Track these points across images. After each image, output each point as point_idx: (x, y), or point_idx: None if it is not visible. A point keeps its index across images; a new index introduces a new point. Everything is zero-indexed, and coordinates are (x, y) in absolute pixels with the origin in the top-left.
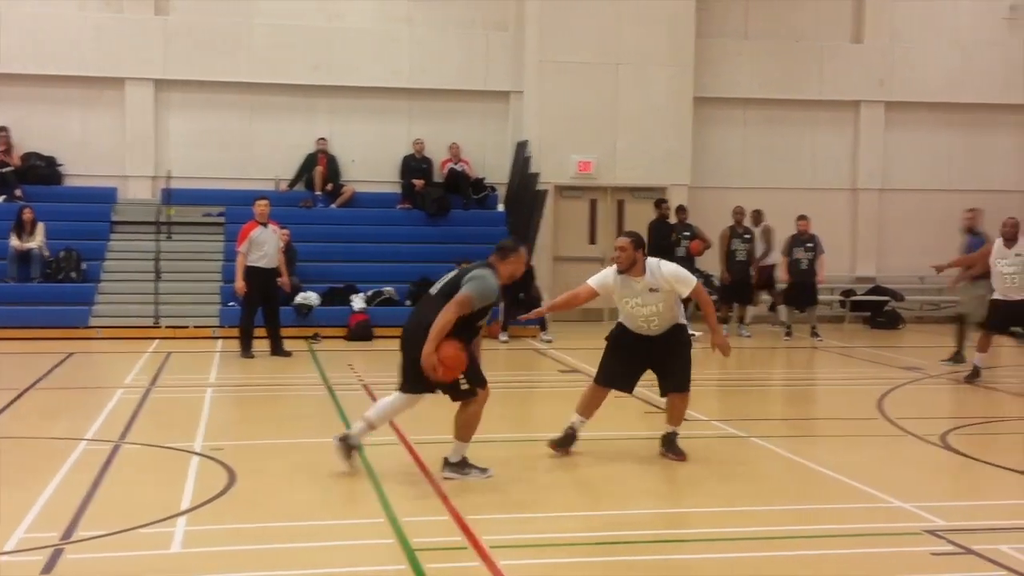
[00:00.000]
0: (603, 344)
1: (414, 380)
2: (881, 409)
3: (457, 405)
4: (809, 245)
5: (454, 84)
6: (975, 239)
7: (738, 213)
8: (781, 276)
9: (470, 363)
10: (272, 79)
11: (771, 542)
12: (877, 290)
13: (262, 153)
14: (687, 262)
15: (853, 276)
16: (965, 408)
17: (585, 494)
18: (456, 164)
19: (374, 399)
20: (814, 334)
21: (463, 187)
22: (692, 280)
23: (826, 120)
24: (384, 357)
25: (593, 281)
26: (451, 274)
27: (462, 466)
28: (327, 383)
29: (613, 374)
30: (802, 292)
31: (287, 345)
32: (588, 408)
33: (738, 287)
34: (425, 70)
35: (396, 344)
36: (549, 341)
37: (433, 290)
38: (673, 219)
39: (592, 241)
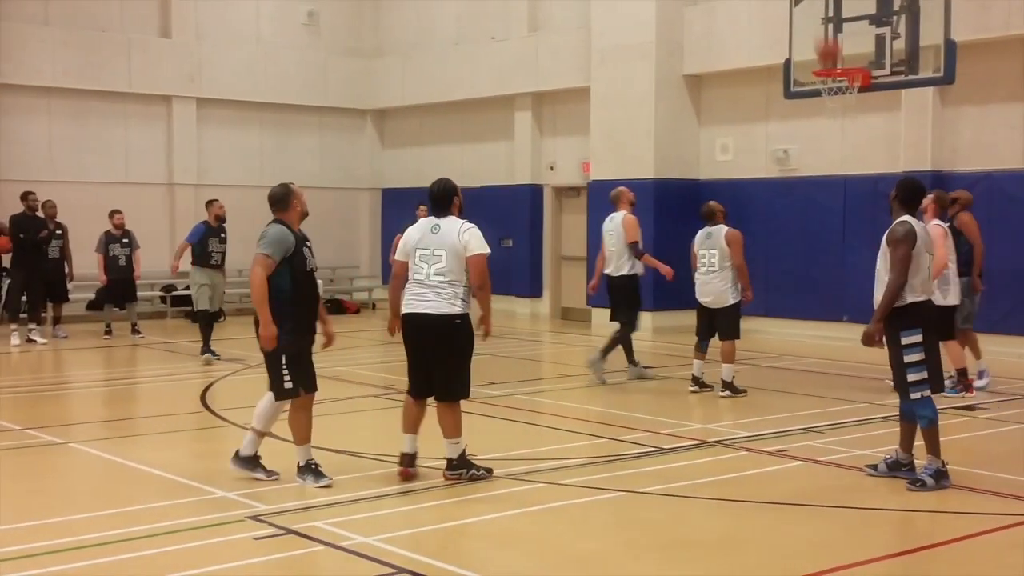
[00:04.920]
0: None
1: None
2: (204, 402)
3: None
4: (125, 241)
5: None
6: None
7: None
8: (99, 275)
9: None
10: None
11: (93, 550)
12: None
13: None
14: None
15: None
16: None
17: None
18: None
19: None
20: (135, 331)
21: None
22: None
23: (138, 113)
24: None
25: None
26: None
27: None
28: None
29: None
30: (121, 289)
31: None
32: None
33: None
34: None
35: None
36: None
37: None
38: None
39: None
